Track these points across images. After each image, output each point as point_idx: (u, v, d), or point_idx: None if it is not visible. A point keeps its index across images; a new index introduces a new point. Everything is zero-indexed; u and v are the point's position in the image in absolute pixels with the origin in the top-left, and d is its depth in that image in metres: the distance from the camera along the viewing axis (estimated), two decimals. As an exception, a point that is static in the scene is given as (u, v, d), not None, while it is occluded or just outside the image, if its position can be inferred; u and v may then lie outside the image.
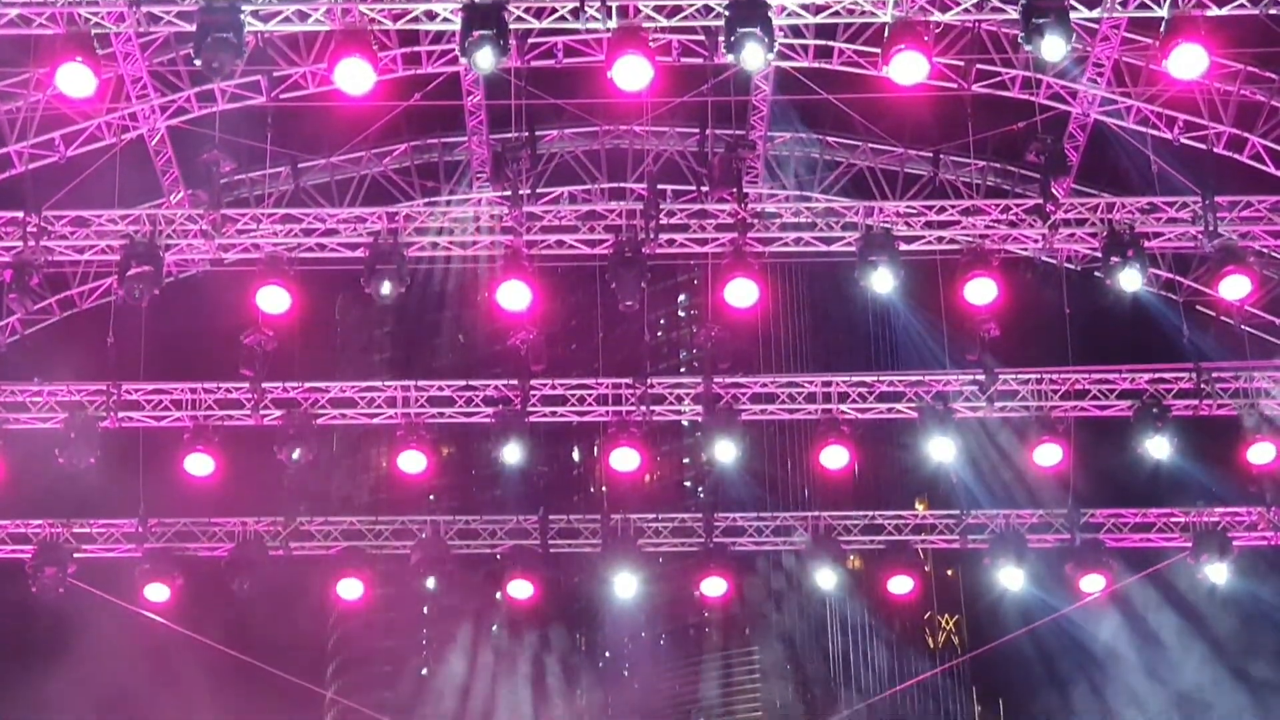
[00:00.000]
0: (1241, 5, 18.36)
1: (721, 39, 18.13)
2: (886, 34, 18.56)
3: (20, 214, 20.85)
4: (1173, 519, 23.66)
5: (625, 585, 23.57)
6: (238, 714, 30.36)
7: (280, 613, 27.82)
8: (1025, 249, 21.67)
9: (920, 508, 24.88)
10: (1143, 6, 18.55)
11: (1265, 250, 21.53)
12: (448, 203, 22.49)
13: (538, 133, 21.51)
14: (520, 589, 23.79)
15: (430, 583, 24.02)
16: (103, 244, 21.13)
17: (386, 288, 20.41)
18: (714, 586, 23.80)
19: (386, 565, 24.20)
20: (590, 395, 23.27)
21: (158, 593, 23.41)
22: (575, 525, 24.18)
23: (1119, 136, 22.32)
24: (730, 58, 18.16)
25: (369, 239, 21.02)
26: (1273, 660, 27.97)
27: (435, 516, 24.48)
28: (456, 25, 18.16)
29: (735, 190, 20.73)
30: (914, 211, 21.36)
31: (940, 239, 21.22)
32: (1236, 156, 21.87)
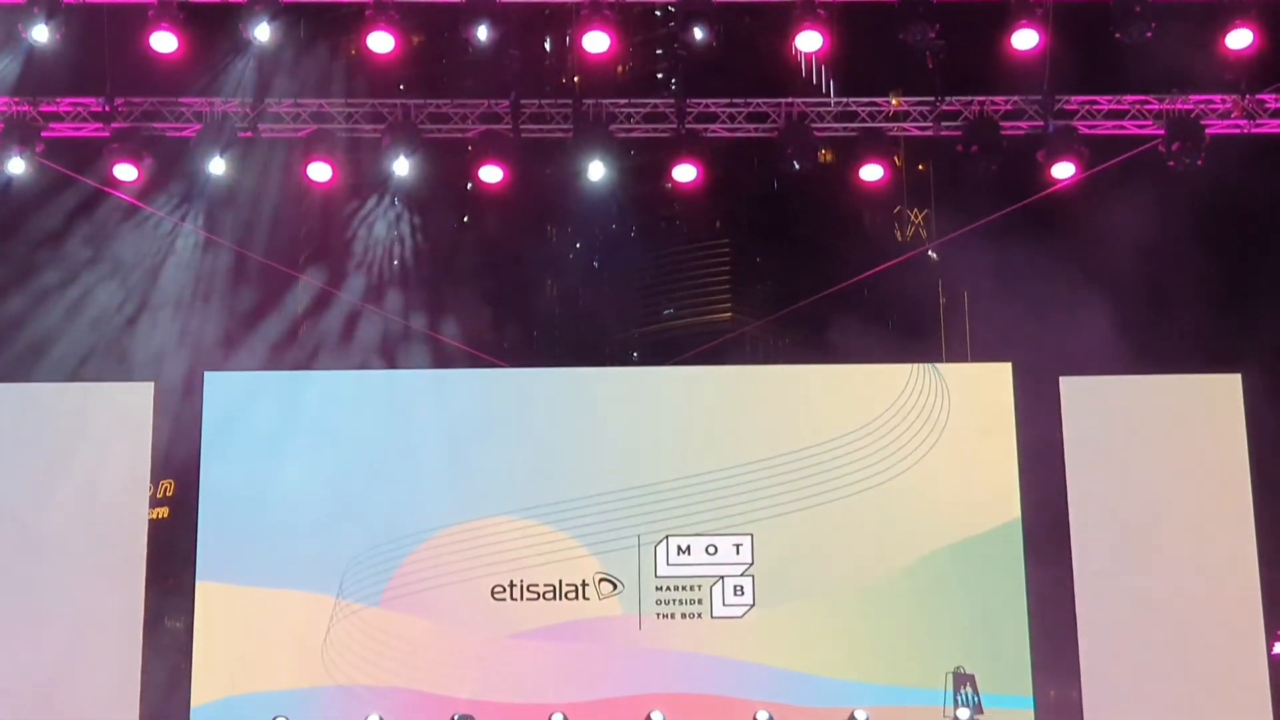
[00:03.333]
0: None
1: None
2: None
3: None
4: (1147, 106, 23.64)
5: (596, 170, 23.58)
6: (210, 295, 30.65)
7: (252, 197, 27.85)
8: None
9: (894, 100, 24.70)
10: None
11: None
12: None
13: None
14: (490, 174, 23.80)
15: (401, 168, 23.83)
16: None
17: None
18: (685, 173, 23.87)
19: (357, 151, 24.09)
20: (563, -25, 22.88)
21: (126, 172, 23.43)
22: (546, 110, 24.01)
23: None
24: None
25: None
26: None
27: (406, 100, 24.23)
28: None
29: None
30: None
31: None
32: None
